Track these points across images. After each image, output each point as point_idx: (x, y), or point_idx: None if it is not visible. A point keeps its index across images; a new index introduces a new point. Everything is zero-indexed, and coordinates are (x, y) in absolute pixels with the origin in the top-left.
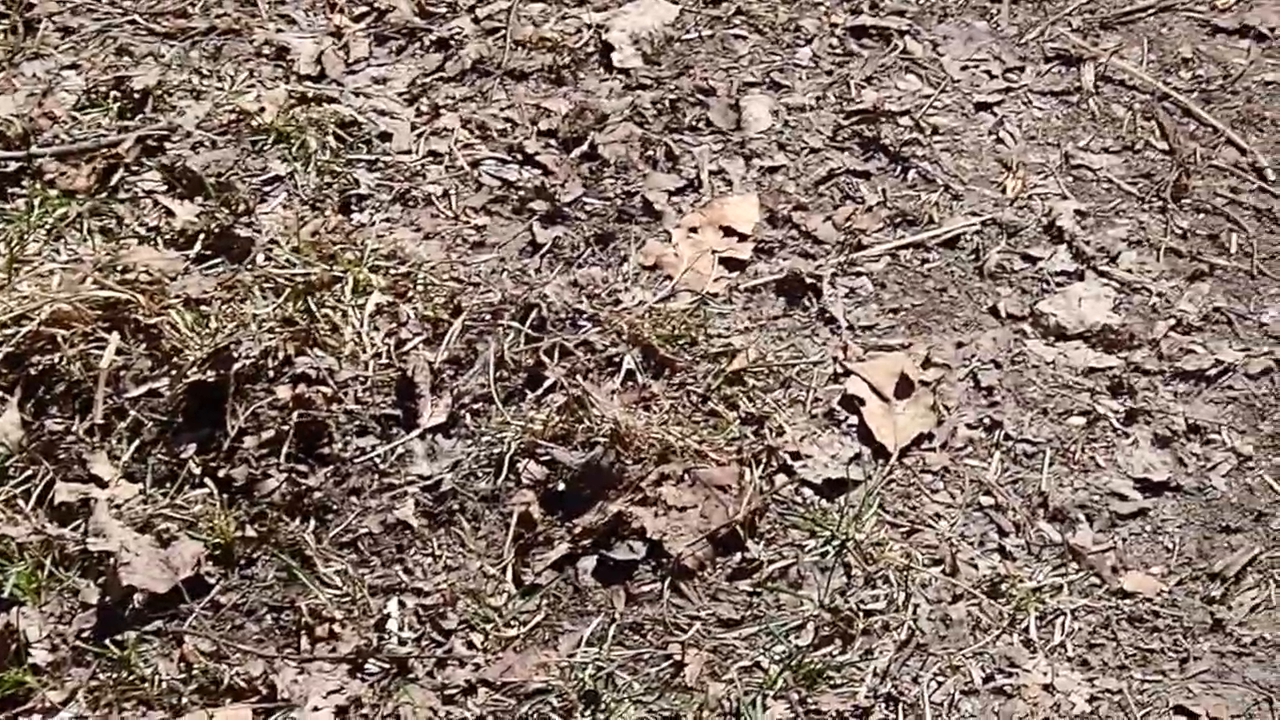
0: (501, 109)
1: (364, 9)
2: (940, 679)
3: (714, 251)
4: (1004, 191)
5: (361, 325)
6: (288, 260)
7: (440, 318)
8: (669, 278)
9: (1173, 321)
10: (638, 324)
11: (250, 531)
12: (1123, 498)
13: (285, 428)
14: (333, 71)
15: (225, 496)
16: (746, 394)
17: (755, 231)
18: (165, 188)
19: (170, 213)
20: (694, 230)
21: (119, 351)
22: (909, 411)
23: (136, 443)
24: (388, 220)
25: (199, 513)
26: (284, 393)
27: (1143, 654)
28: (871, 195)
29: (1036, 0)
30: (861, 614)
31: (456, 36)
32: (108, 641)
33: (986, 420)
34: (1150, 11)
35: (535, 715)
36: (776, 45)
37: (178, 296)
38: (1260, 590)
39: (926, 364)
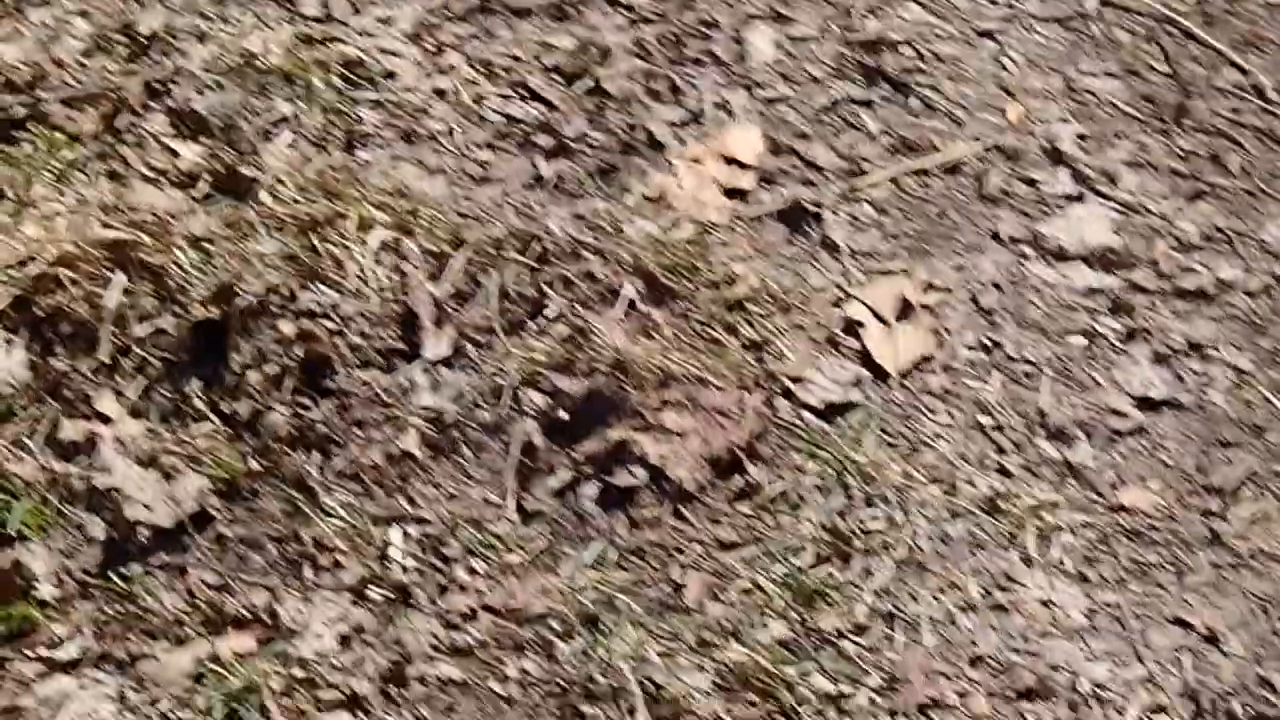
0: (506, 46)
1: None
2: (939, 596)
3: (717, 182)
4: (1006, 117)
5: (365, 260)
6: (292, 198)
7: (443, 252)
8: (671, 208)
9: (1173, 241)
10: (640, 254)
11: (254, 465)
12: (1121, 415)
13: (289, 362)
14: (338, 12)
15: (229, 431)
16: (748, 320)
17: (758, 161)
18: (171, 130)
19: (175, 154)
20: (697, 161)
21: (125, 291)
22: (909, 334)
23: (142, 380)
24: (392, 157)
25: (203, 448)
26: (288, 328)
27: (1140, 568)
28: (874, 123)
29: None
30: (860, 534)
31: None
32: (113, 575)
33: (986, 341)
34: None
35: (536, 639)
36: None
37: (183, 236)
38: (1257, 503)
39: (927, 288)
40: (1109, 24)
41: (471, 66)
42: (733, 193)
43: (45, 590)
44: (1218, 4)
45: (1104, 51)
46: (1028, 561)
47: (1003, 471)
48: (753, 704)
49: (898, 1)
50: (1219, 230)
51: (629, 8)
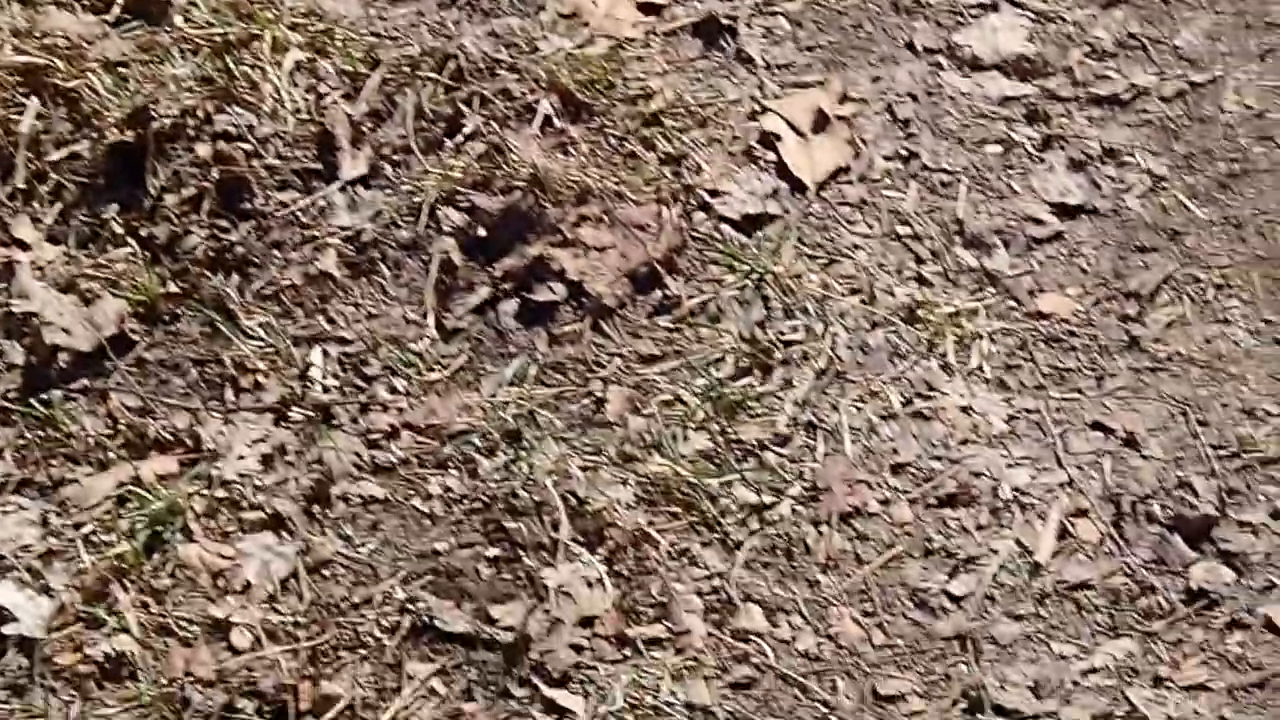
0: None
1: None
2: (859, 405)
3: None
4: None
5: (280, 82)
6: (206, 20)
7: (359, 72)
8: (586, 25)
9: (1087, 48)
10: (556, 70)
11: (173, 288)
12: (1038, 222)
13: (206, 185)
14: None
15: (148, 255)
16: (664, 135)
17: None
18: None
19: None
20: None
21: (39, 116)
22: (826, 146)
23: (58, 205)
24: None
25: (122, 271)
26: (204, 150)
27: (1059, 373)
28: None
29: None
30: (780, 345)
31: None
32: (33, 401)
33: (903, 151)
34: None
35: (458, 455)
36: None
37: (96, 60)
38: (1174, 307)
39: (843, 99)
40: None
41: None
42: (647, 8)
43: None
44: None
45: None
46: (947, 369)
47: (921, 280)
48: (675, 516)
49: None
50: (1133, 36)
51: None
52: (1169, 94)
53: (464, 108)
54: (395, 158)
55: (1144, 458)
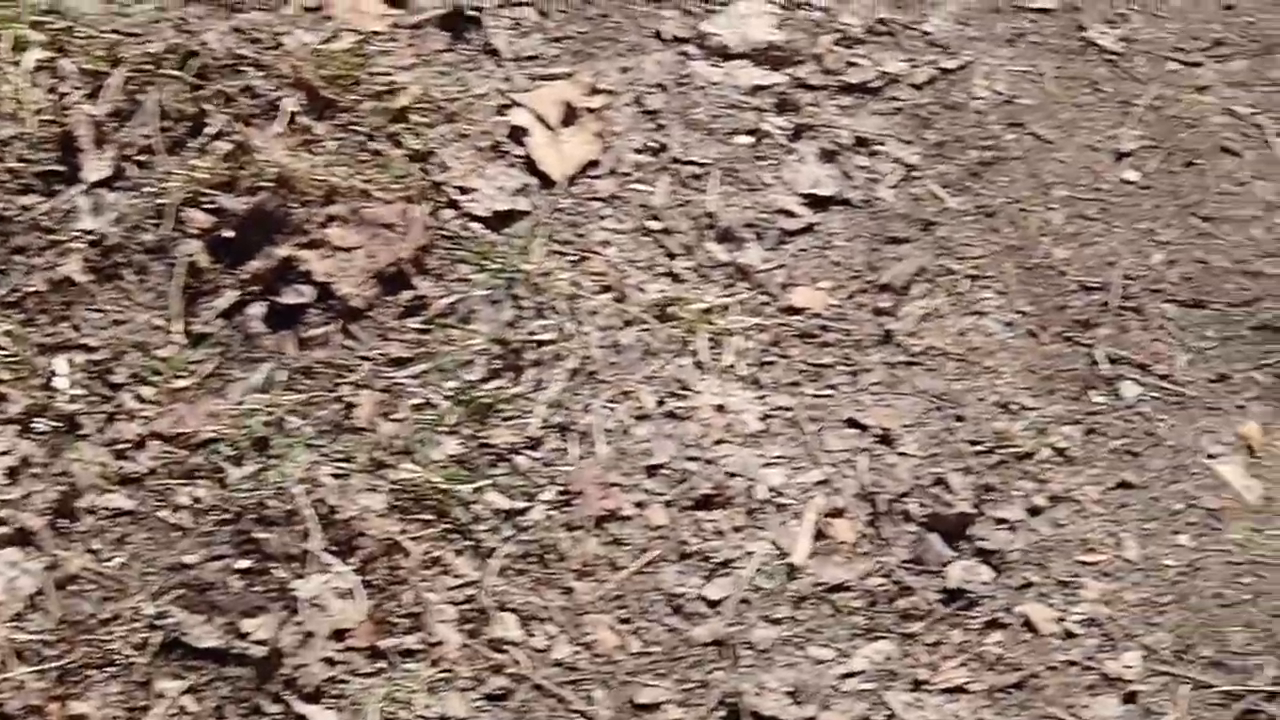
0: None
1: None
2: (612, 406)
3: None
4: None
5: (20, 82)
6: None
7: (100, 70)
8: (330, 18)
9: (837, 35)
10: (300, 66)
11: None
12: (790, 214)
13: None
14: None
15: None
16: (411, 130)
17: None
18: None
19: None
20: None
21: None
22: (575, 139)
23: None
24: None
25: None
26: None
27: (814, 369)
28: None
29: None
30: (532, 345)
31: None
32: None
33: (653, 144)
34: None
35: (206, 464)
36: None
37: None
38: (928, 300)
39: (592, 91)
40: None
41: None
42: (392, 0)
43: None
44: None
45: None
46: (701, 368)
47: (673, 276)
48: (428, 523)
49: None
50: (882, 23)
51: None
52: (920, 81)
53: (207, 106)
54: (139, 159)
55: (900, 455)
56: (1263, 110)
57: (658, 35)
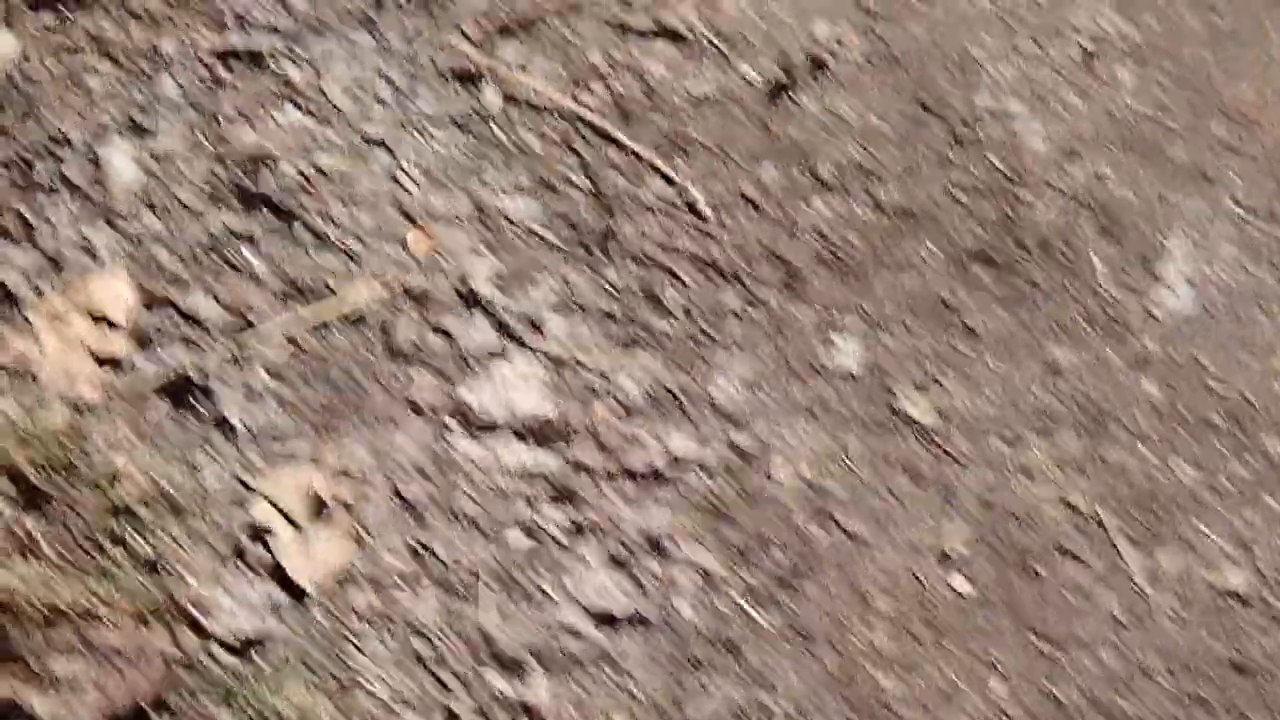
0: None
1: None
2: None
3: (86, 345)
4: (408, 249)
5: None
6: None
7: None
8: (36, 381)
9: (613, 402)
10: (6, 447)
11: None
12: (578, 635)
13: None
14: None
15: None
16: (138, 530)
17: (130, 318)
18: None
19: None
20: (58, 319)
21: None
22: (325, 538)
23: None
24: None
25: None
26: None
27: None
28: (259, 262)
29: (424, 6)
30: None
31: None
32: None
33: (414, 543)
34: (553, 13)
35: None
36: (138, 78)
37: None
38: None
39: (340, 475)
40: (514, 124)
41: None
42: (106, 360)
43: None
44: (636, 99)
45: (512, 161)
46: None
47: (451, 716)
48: None
49: (271, 104)
50: (664, 387)
51: None
52: (711, 463)
53: None
54: None
55: None
56: (1102, 501)
57: (411, 403)
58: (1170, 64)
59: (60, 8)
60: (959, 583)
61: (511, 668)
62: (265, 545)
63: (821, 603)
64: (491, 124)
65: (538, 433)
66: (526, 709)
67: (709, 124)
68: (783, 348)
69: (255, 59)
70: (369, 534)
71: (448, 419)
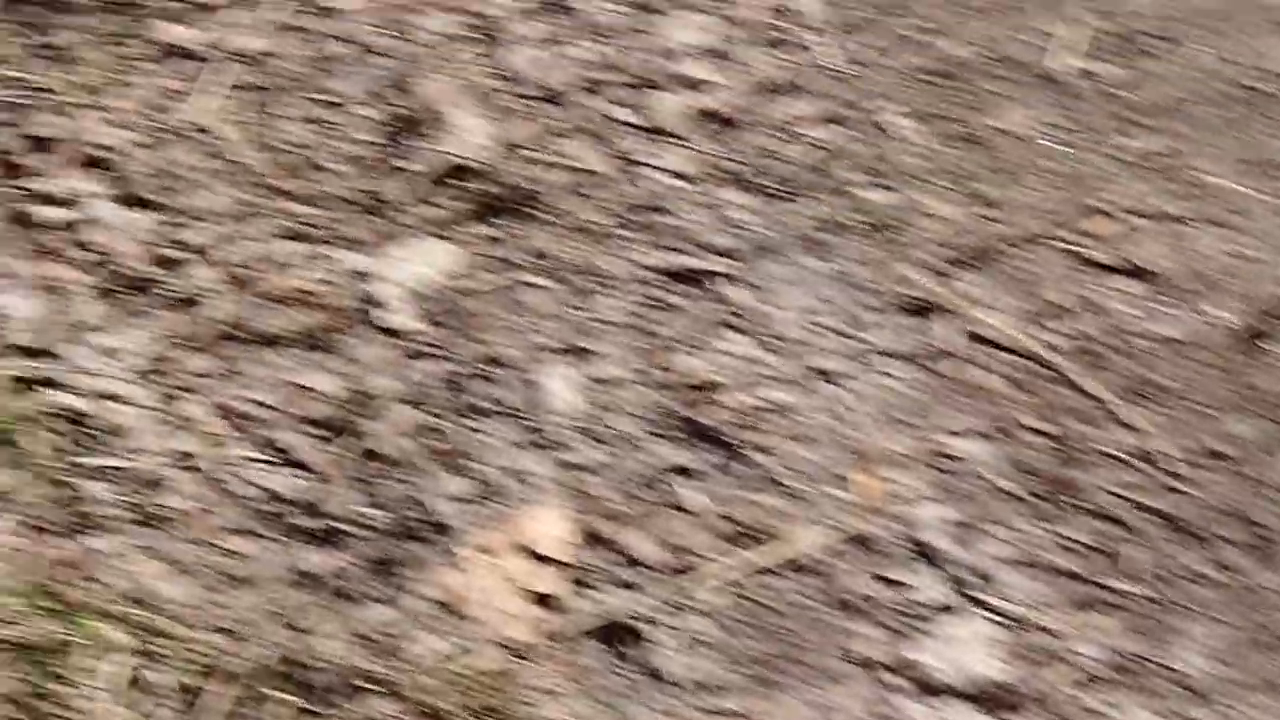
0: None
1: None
2: None
3: (518, 583)
4: (855, 491)
5: (103, 703)
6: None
7: (192, 686)
8: (464, 619)
9: (1069, 670)
10: (433, 689)
11: None
12: None
13: None
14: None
15: None
16: None
17: (567, 554)
18: None
19: None
20: (490, 553)
21: None
22: None
23: None
24: (128, 548)
25: None
26: None
27: None
28: (700, 499)
29: (879, 231)
30: None
31: (198, 290)
32: None
33: None
34: (1012, 244)
35: None
36: (579, 296)
37: None
38: None
39: None
40: (971, 363)
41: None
42: (538, 599)
43: None
44: (1098, 339)
45: (968, 402)
46: None
47: None
48: None
49: (715, 329)
50: (1121, 656)
51: (395, 334)
52: None
53: None
54: None
55: None
56: None
57: (851, 659)
58: None
59: (501, 220)
60: None
61: None
62: None
63: None
64: (946, 360)
65: (989, 698)
66: None
67: (1176, 369)
68: (1251, 618)
69: (700, 280)
70: None
71: (893, 678)
